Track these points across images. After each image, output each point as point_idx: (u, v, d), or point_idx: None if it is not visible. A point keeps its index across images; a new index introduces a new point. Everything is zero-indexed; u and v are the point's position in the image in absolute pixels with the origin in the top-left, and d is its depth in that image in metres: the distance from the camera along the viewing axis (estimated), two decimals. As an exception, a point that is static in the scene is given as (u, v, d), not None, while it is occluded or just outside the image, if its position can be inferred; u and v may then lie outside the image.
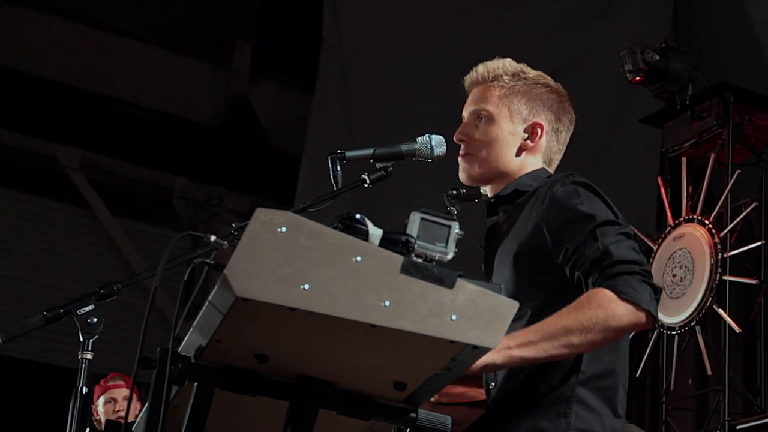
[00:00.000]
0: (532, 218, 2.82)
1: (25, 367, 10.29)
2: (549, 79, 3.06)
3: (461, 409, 2.79)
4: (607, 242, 2.68)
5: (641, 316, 2.61)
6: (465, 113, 3.05)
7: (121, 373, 6.38)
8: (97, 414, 6.21)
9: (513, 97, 2.99)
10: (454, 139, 3.01)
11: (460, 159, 3.01)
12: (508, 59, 3.06)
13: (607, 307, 2.59)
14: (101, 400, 6.22)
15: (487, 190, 3.05)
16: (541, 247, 2.78)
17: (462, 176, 3.02)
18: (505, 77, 3.02)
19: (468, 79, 3.07)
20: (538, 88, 3.02)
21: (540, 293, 2.75)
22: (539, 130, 2.99)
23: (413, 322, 2.01)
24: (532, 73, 3.05)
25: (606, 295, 2.60)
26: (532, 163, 2.99)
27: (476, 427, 2.80)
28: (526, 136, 2.99)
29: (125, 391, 6.16)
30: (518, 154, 2.98)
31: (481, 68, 3.05)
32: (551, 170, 3.03)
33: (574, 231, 2.73)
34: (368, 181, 3.02)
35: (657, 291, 2.66)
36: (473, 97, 3.05)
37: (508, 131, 2.98)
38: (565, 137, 3.06)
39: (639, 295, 2.60)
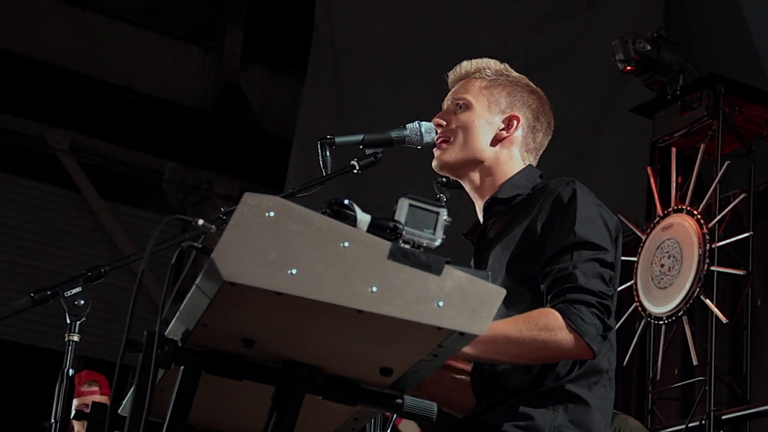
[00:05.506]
0: (530, 224, 2.82)
1: (12, 348, 10.28)
2: (530, 83, 3.08)
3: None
4: (579, 265, 2.69)
5: (581, 348, 2.64)
6: (445, 104, 3.07)
7: (97, 373, 6.23)
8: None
9: (493, 89, 3.02)
10: (432, 123, 3.02)
11: (435, 147, 3.02)
12: (493, 59, 3.09)
13: (551, 331, 2.61)
14: (74, 402, 6.09)
15: (466, 187, 3.04)
16: (534, 253, 2.78)
17: (436, 164, 3.02)
18: (488, 71, 3.05)
19: (451, 74, 3.10)
20: (519, 86, 3.05)
21: (531, 297, 2.75)
22: (515, 122, 3.00)
23: (400, 308, 2.01)
24: (515, 73, 3.08)
25: (555, 318, 2.62)
26: (507, 156, 2.99)
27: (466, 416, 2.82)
28: (502, 126, 2.99)
29: (98, 397, 6.03)
30: (493, 143, 2.98)
31: (465, 63, 3.08)
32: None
33: (556, 241, 2.74)
34: (357, 167, 3.03)
35: (606, 328, 2.67)
36: (455, 89, 3.07)
37: (484, 119, 2.99)
38: (542, 139, 3.06)
39: (586, 328, 2.62)
